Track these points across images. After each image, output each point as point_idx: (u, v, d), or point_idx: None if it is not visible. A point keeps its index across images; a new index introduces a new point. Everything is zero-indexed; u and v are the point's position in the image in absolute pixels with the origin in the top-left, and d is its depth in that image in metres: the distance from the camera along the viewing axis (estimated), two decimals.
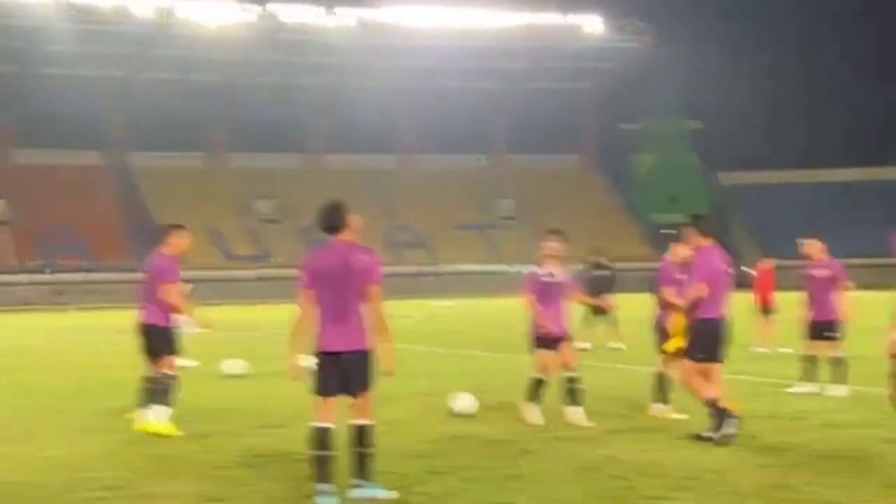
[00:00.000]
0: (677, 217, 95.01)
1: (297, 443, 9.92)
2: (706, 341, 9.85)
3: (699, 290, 9.75)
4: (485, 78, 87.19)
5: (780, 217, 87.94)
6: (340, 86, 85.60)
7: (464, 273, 74.93)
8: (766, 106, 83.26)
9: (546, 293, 11.08)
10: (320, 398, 7.50)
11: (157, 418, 10.49)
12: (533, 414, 10.91)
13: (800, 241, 13.77)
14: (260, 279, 71.53)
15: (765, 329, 20.27)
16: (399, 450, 9.40)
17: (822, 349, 13.34)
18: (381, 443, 9.35)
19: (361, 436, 7.45)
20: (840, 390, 12.84)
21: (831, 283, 13.42)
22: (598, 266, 21.97)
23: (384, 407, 12.41)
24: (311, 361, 7.60)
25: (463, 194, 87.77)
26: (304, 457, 9.17)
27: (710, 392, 9.73)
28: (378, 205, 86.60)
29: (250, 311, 48.04)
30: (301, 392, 13.66)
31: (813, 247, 13.72)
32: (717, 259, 10.00)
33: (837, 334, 13.28)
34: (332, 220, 7.67)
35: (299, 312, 7.64)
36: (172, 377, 10.73)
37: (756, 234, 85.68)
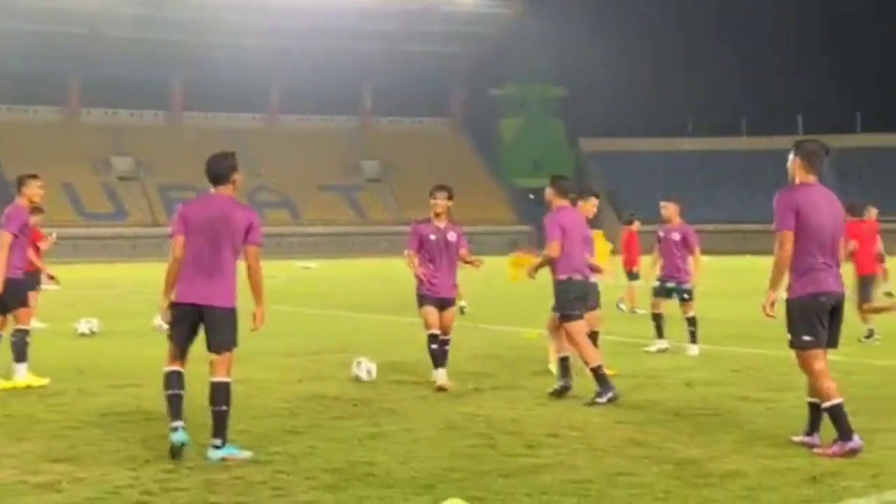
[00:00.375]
0: (541, 182, 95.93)
1: (151, 401, 9.64)
2: (562, 300, 9.94)
3: (551, 249, 9.80)
4: (356, 39, 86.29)
5: (639, 184, 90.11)
6: (204, 42, 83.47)
7: (328, 234, 74.49)
8: (628, 75, 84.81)
9: (433, 251, 10.70)
10: (173, 346, 7.45)
11: (22, 374, 10.54)
12: (442, 380, 10.41)
13: (662, 203, 14.05)
14: (116, 237, 69.66)
15: (629, 292, 20.82)
16: (258, 409, 9.22)
17: (668, 307, 13.73)
18: (240, 402, 9.13)
19: (215, 394, 7.30)
20: (693, 350, 13.17)
21: (683, 245, 13.73)
22: None
23: (244, 366, 12.17)
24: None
25: (329, 156, 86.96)
26: (158, 416, 8.92)
27: (561, 350, 10.02)
28: (241, 165, 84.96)
29: (105, 270, 46.70)
30: (155, 351, 13.29)
31: (669, 209, 14.03)
32: (573, 219, 10.07)
33: (687, 295, 13.60)
34: (220, 169, 7.53)
35: (171, 259, 7.46)
36: (25, 331, 10.67)
37: (615, 200, 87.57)
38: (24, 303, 10.72)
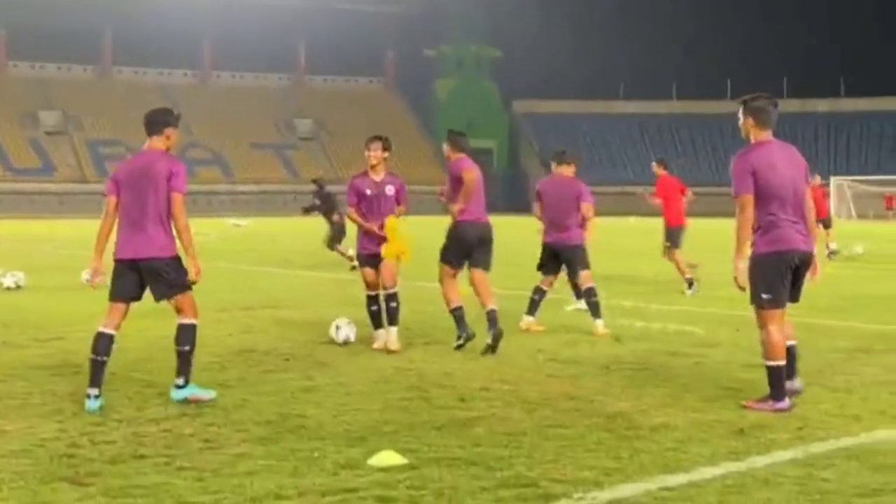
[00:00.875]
0: (475, 143, 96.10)
1: (78, 355, 9.49)
2: (449, 245, 10.20)
3: (461, 201, 9.85)
4: None
5: (572, 146, 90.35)
6: None
7: (260, 192, 73.79)
8: (563, 37, 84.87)
9: (371, 205, 10.27)
10: (112, 304, 7.58)
11: None
12: (380, 341, 10.09)
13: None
14: (43, 193, 68.31)
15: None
16: None
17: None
18: (170, 356, 9.02)
19: (180, 334, 7.55)
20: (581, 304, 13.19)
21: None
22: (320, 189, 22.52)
23: (169, 321, 12.04)
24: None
25: (261, 114, 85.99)
26: (85, 370, 8.78)
27: (453, 301, 10.03)
28: None
29: (33, 225, 45.82)
30: (82, 306, 13.11)
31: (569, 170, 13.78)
32: (469, 167, 9.98)
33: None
34: (153, 118, 7.61)
35: (103, 217, 7.59)
36: None
37: (547, 162, 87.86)
38: None
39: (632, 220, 51.50)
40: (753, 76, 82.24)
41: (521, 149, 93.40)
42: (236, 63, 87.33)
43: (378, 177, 10.54)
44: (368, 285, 10.44)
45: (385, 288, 10.31)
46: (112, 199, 7.50)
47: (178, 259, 7.47)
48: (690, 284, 15.98)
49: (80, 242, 31.54)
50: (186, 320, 7.53)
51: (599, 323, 11.21)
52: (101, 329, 7.48)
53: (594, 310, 11.29)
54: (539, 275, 11.84)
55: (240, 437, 6.44)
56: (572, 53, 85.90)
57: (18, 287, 15.83)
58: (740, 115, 7.47)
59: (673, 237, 16.86)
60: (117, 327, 7.53)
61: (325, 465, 5.79)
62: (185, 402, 7.37)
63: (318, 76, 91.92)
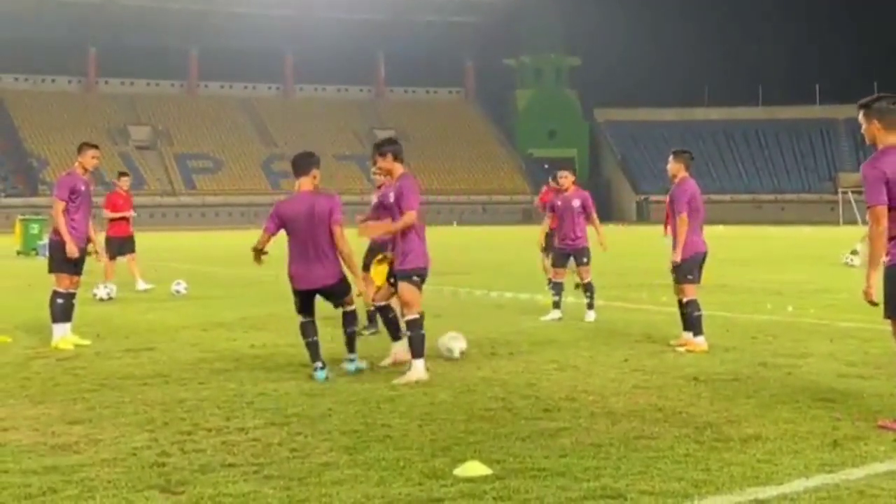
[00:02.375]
0: (556, 152, 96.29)
1: (168, 365, 9.67)
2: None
3: (411, 217, 8.98)
4: (370, 9, 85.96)
5: (653, 153, 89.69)
6: (220, 12, 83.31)
7: (343, 203, 74.50)
8: (643, 44, 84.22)
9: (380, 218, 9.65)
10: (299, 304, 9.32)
11: (57, 335, 11.01)
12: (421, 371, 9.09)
13: (561, 173, 14.06)
14: (134, 206, 69.88)
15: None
16: (275, 373, 9.25)
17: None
18: (258, 365, 9.16)
19: (345, 319, 9.30)
20: (590, 316, 13.27)
21: (582, 212, 13.65)
22: None
23: (261, 332, 12.21)
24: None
25: (343, 125, 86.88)
26: (175, 379, 8.93)
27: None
28: (257, 134, 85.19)
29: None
30: (171, 316, 13.34)
31: (567, 179, 13.90)
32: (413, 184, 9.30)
33: (586, 260, 13.65)
34: (302, 163, 9.20)
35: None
36: (62, 294, 11.09)
37: (628, 170, 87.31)
38: (67, 269, 11.17)
39: (720, 228, 50.93)
40: (842, 80, 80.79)
41: (602, 157, 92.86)
42: (318, 76, 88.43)
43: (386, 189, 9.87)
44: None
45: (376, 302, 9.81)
46: (267, 236, 9.08)
47: (345, 279, 9.17)
48: None
49: (170, 254, 32.16)
50: (350, 308, 9.31)
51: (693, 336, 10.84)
52: (301, 319, 9.25)
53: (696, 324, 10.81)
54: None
55: (326, 447, 6.47)
56: (653, 60, 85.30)
57: (111, 298, 16.19)
58: (862, 119, 6.96)
59: None
60: (311, 315, 9.28)
61: (410, 475, 5.79)
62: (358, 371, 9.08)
63: (398, 87, 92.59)
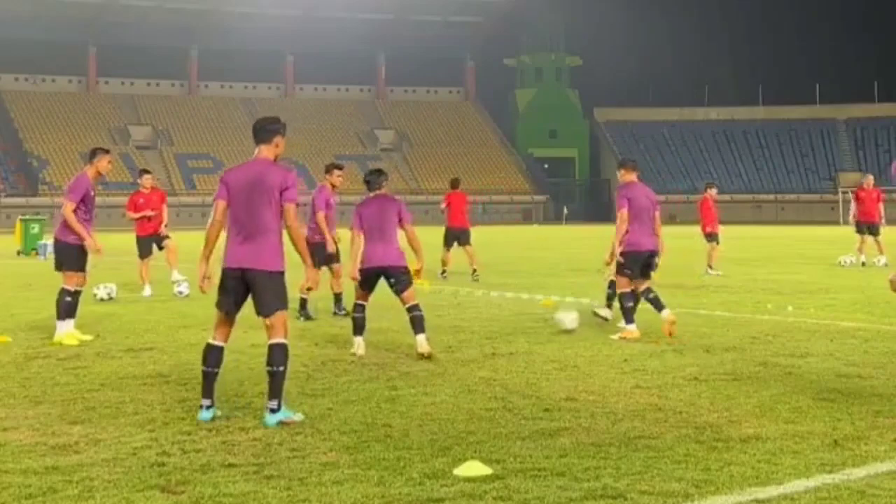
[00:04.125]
0: (556, 152, 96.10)
1: (168, 365, 9.68)
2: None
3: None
4: (369, 9, 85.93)
5: (654, 153, 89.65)
6: (220, 12, 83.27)
7: (342, 204, 74.54)
8: (644, 44, 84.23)
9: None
10: (219, 314, 7.43)
11: (61, 331, 11.25)
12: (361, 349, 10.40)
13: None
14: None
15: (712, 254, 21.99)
16: None
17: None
18: (257, 364, 9.16)
19: (271, 355, 7.21)
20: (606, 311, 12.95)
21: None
22: None
23: (262, 331, 12.19)
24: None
25: (343, 125, 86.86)
26: (175, 379, 8.94)
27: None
28: None
29: (123, 238, 46.80)
30: (171, 317, 13.35)
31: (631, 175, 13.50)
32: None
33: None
34: (263, 128, 7.53)
35: (210, 222, 7.44)
36: (69, 292, 11.36)
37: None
38: (78, 267, 11.42)
39: (720, 228, 50.94)
40: (842, 80, 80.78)
41: (602, 157, 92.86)
42: (318, 76, 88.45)
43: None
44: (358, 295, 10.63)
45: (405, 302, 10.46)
46: (221, 204, 7.35)
47: (282, 275, 7.30)
48: None
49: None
50: (279, 340, 7.22)
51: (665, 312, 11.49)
52: (211, 341, 7.41)
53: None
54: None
55: (327, 446, 6.48)
56: (653, 60, 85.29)
57: (111, 298, 16.18)
58: None
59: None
60: (226, 339, 7.41)
61: (410, 475, 5.79)
62: (280, 425, 7.02)
63: (398, 87, 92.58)
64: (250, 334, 11.86)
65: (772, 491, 5.44)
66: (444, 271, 21.02)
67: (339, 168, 14.52)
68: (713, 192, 24.04)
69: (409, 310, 10.28)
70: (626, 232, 11.73)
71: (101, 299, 16.08)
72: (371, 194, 10.78)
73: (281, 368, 7.15)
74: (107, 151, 11.97)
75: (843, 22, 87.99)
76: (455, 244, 21.14)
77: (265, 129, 7.51)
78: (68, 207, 11.27)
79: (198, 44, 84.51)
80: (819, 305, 14.75)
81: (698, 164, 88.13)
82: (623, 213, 11.76)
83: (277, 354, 7.18)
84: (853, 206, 24.53)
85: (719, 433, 6.75)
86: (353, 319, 10.51)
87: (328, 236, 13.84)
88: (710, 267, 21.49)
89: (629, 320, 11.48)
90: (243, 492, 5.49)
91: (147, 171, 18.93)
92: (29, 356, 10.30)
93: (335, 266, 13.97)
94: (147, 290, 17.33)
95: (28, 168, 75.13)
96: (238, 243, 7.24)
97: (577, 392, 8.25)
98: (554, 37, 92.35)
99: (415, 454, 6.25)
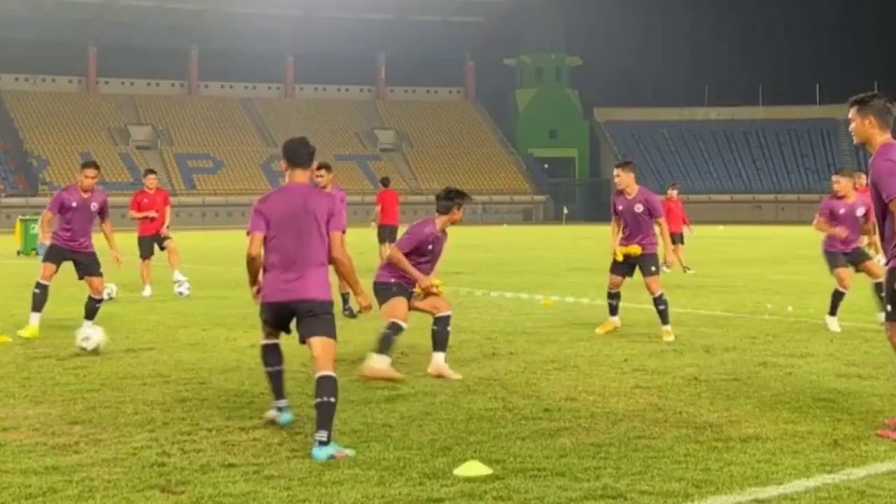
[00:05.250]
0: (556, 152, 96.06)
1: (168, 365, 9.68)
2: None
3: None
4: (369, 9, 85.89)
5: (654, 153, 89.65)
6: (220, 12, 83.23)
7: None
8: (644, 44, 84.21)
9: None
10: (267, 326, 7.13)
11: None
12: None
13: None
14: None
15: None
16: None
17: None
18: (256, 364, 9.17)
19: (319, 387, 6.56)
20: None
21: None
22: None
23: (256, 330, 12.18)
24: None
25: (343, 126, 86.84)
26: (175, 379, 8.94)
27: None
28: (257, 134, 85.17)
29: (123, 238, 46.74)
30: (170, 317, 13.34)
31: (627, 178, 12.91)
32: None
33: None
34: (305, 152, 6.98)
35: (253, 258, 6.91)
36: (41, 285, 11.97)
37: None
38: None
39: (720, 228, 50.90)
40: (842, 80, 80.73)
41: (602, 157, 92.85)
42: (318, 76, 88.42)
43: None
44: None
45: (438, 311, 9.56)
46: (258, 237, 6.80)
47: (331, 304, 6.88)
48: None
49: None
50: (327, 372, 6.60)
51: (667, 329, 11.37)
52: (264, 341, 7.15)
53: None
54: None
55: None
56: (653, 60, 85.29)
57: (111, 299, 16.16)
58: (854, 115, 6.76)
59: None
60: (278, 337, 7.12)
61: (410, 475, 5.79)
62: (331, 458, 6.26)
63: (398, 87, 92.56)
64: (251, 334, 11.87)
65: (772, 491, 5.44)
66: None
67: (319, 167, 13.29)
68: (675, 192, 24.56)
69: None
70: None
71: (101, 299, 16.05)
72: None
73: (331, 400, 6.49)
74: (89, 166, 12.39)
75: (843, 22, 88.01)
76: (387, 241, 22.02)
77: (306, 154, 6.96)
78: (44, 216, 12.39)
79: (198, 44, 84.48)
80: (819, 305, 14.73)
81: (698, 164, 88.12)
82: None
83: (326, 386, 6.54)
84: None
85: (719, 433, 6.75)
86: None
87: None
88: (675, 265, 21.69)
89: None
90: (243, 492, 5.50)
91: (152, 172, 18.98)
92: (29, 356, 10.30)
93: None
94: (147, 291, 17.32)
95: (28, 168, 75.12)
96: (282, 276, 6.77)
97: (577, 392, 8.26)
98: (554, 37, 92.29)
99: (415, 454, 6.25)
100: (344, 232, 6.86)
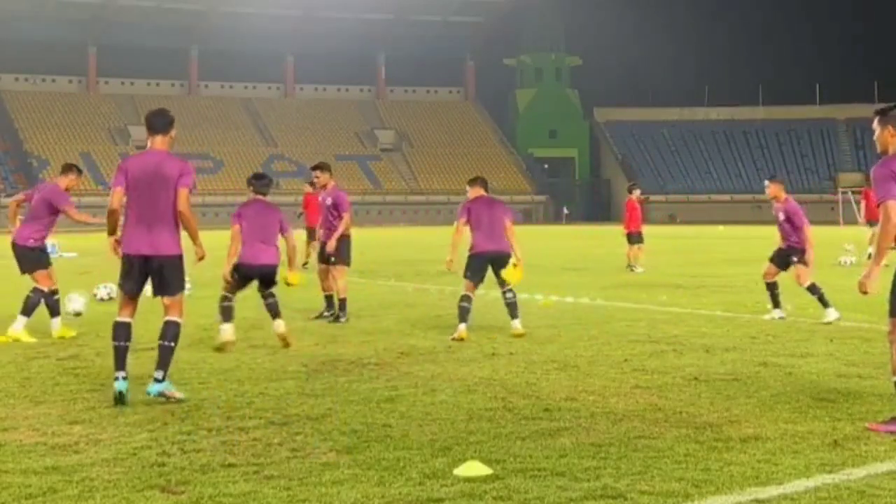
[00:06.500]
0: (557, 152, 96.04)
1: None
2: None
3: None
4: (369, 9, 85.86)
5: (653, 153, 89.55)
6: (220, 12, 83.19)
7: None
8: (644, 43, 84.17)
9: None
10: (124, 295, 8.15)
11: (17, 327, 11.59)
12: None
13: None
14: None
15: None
16: (275, 372, 9.25)
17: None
18: (257, 365, 9.19)
19: (165, 330, 7.96)
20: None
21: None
22: None
23: (261, 331, 12.20)
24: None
25: (343, 125, 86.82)
26: (176, 380, 8.94)
27: None
28: (257, 134, 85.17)
29: None
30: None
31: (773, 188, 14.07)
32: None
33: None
34: (164, 120, 8.00)
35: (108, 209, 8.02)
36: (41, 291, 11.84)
37: (629, 170, 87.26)
38: (39, 266, 11.98)
39: (720, 228, 50.89)
40: (842, 80, 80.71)
41: (602, 157, 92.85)
42: (318, 76, 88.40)
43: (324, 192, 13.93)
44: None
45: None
46: (119, 191, 7.90)
47: (181, 259, 7.94)
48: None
49: None
50: (175, 318, 7.97)
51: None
52: (118, 318, 8.03)
53: None
54: None
55: (326, 447, 6.47)
56: (653, 59, 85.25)
57: (111, 299, 16.15)
58: (876, 125, 7.07)
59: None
60: (132, 315, 8.07)
61: (410, 475, 5.79)
62: (161, 396, 7.78)
63: (398, 87, 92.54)
64: (250, 334, 11.88)
65: (772, 491, 5.44)
66: (305, 263, 22.92)
67: (314, 168, 14.23)
68: (637, 193, 25.19)
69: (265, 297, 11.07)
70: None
71: (101, 299, 16.07)
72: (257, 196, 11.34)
73: (172, 344, 7.90)
74: (67, 168, 12.39)
75: (843, 22, 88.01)
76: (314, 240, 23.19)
77: (165, 122, 7.99)
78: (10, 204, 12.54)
79: (198, 44, 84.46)
80: (819, 305, 14.73)
81: (698, 164, 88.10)
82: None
83: (170, 330, 7.93)
84: (862, 204, 25.55)
85: (719, 433, 6.75)
86: (223, 309, 11.02)
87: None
88: (633, 266, 22.99)
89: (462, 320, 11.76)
90: (243, 492, 5.49)
91: None
92: (29, 356, 10.30)
93: (337, 267, 13.85)
94: (148, 291, 17.34)
95: (28, 168, 75.11)
96: (139, 230, 7.84)
97: (577, 392, 8.25)
98: (554, 37, 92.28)
99: (415, 454, 6.25)
100: (190, 190, 7.91)
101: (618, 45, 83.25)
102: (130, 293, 8.02)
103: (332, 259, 13.68)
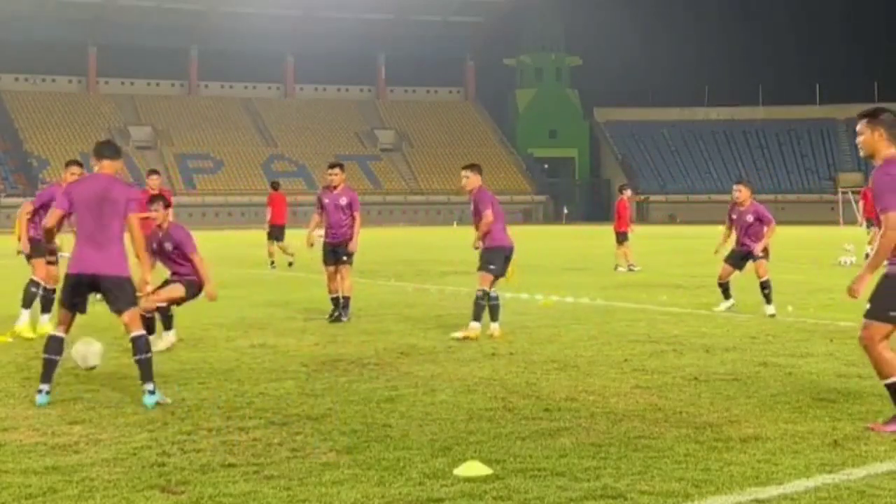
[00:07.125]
0: (557, 152, 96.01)
1: (167, 365, 9.68)
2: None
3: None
4: (369, 9, 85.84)
5: (653, 153, 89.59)
6: (220, 12, 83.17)
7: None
8: (644, 43, 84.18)
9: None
10: (63, 311, 8.22)
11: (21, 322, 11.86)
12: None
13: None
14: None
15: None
16: (275, 372, 9.25)
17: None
18: (257, 365, 9.19)
19: (136, 346, 8.03)
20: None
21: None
22: None
23: (261, 332, 12.21)
24: None
25: (343, 125, 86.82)
26: (175, 379, 8.94)
27: None
28: (257, 134, 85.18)
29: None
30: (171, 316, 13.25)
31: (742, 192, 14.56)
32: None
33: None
34: (112, 148, 8.33)
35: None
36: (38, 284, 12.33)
37: (628, 170, 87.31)
38: (37, 254, 12.69)
39: (721, 228, 50.80)
40: (842, 80, 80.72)
41: (602, 157, 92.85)
42: (318, 76, 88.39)
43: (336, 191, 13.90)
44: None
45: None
46: (58, 213, 8.18)
47: (129, 279, 8.07)
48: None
49: None
50: (139, 332, 8.06)
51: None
52: (53, 332, 8.17)
53: None
54: None
55: (326, 447, 6.47)
56: (653, 59, 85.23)
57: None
58: (864, 128, 6.92)
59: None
60: (67, 331, 8.16)
61: (410, 475, 5.79)
62: (157, 405, 7.76)
63: (398, 87, 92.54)
64: (250, 334, 11.88)
65: (772, 491, 5.44)
66: (272, 262, 23.77)
67: (330, 167, 14.31)
68: (628, 193, 25.70)
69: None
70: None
71: (99, 300, 16.06)
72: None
73: (148, 355, 7.99)
74: (69, 163, 12.63)
75: (843, 22, 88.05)
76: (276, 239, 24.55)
77: (115, 149, 8.32)
78: (25, 206, 12.78)
79: (198, 44, 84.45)
80: (819, 305, 14.75)
81: (698, 164, 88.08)
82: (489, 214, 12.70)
83: (140, 343, 8.01)
84: (861, 204, 25.79)
85: (719, 433, 6.75)
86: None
87: (309, 235, 14.32)
88: (620, 265, 23.32)
89: (476, 318, 11.79)
90: (243, 492, 5.49)
91: (155, 172, 18.97)
92: (29, 356, 10.30)
93: (346, 266, 13.75)
94: (148, 290, 17.41)
95: (28, 168, 75.10)
96: (90, 251, 7.96)
97: (577, 392, 8.25)
98: (554, 37, 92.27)
99: (415, 454, 6.25)
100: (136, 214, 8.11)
101: (618, 45, 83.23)
102: (70, 309, 8.12)
103: (345, 258, 13.59)
